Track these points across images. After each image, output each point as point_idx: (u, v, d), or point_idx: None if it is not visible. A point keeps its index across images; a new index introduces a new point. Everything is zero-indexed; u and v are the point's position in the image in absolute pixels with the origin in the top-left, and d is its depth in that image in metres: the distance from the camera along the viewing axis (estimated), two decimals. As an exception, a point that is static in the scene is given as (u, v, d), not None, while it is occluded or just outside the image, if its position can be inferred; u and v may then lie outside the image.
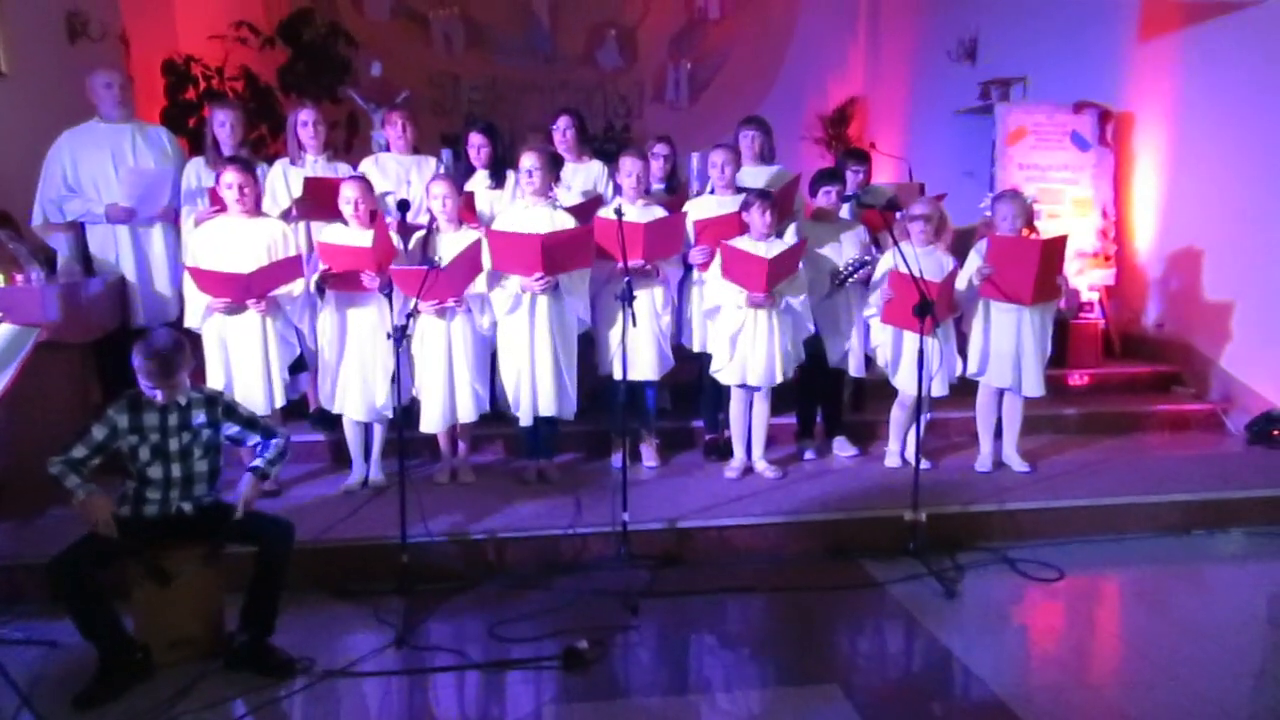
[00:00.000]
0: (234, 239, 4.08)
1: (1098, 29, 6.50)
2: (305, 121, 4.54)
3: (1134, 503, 4.30)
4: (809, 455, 4.86)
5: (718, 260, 4.33)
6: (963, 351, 4.61)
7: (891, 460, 4.73)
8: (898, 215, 4.43)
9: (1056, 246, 4.42)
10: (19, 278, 3.96)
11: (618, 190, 4.60)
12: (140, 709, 2.80)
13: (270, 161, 4.72)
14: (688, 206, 4.60)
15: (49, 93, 5.64)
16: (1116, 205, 6.36)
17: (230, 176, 4.03)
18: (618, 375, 3.95)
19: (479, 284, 4.18)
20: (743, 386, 4.45)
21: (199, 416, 3.06)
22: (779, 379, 4.40)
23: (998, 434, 4.71)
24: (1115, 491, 4.37)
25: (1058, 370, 5.62)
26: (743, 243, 4.29)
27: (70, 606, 2.82)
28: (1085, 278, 6.24)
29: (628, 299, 3.65)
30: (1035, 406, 4.78)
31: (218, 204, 4.22)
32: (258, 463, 3.16)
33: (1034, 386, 4.53)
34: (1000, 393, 4.63)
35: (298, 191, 4.43)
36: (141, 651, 2.95)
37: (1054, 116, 6.31)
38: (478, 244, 4.09)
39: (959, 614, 3.48)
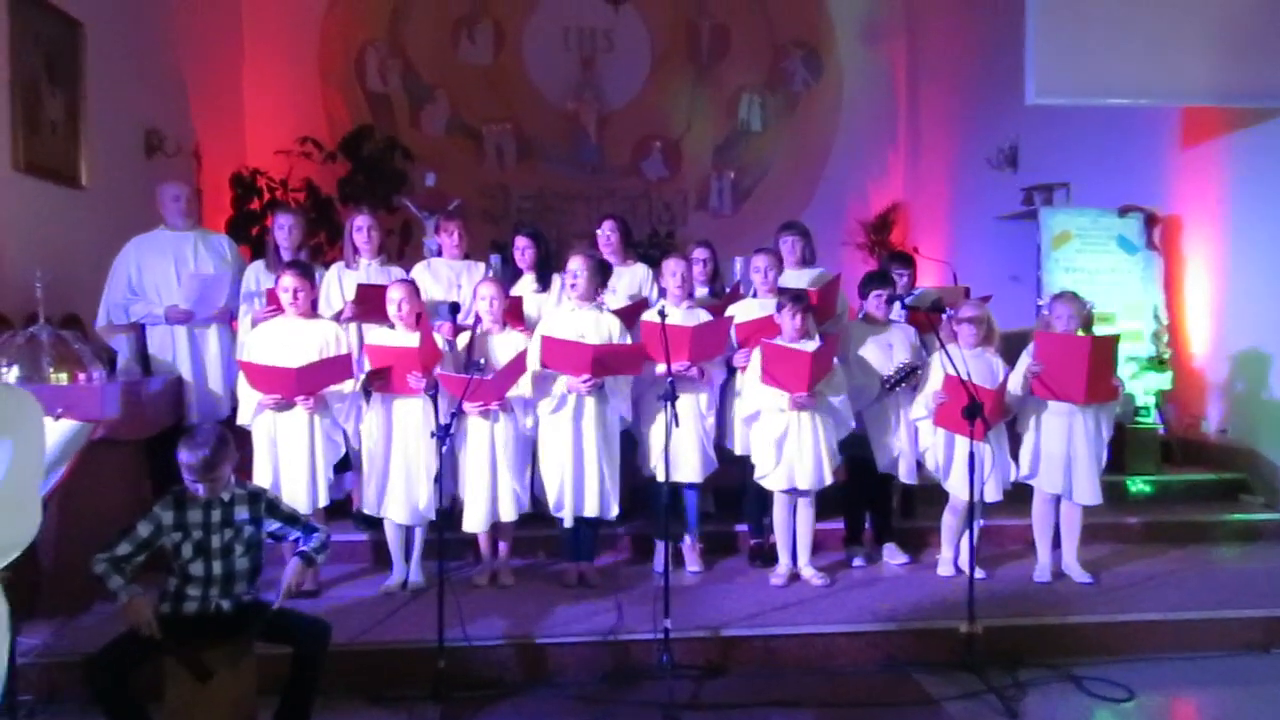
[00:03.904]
0: (288, 339, 4.19)
1: (1139, 136, 6.54)
2: (360, 226, 4.71)
3: (1208, 618, 4.05)
4: (858, 562, 4.71)
5: (755, 365, 4.31)
6: (1015, 455, 4.48)
7: (944, 568, 4.55)
8: (944, 317, 4.39)
9: (1107, 345, 4.33)
10: (81, 377, 4.08)
11: (662, 294, 4.65)
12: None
13: (327, 266, 4.89)
14: (732, 310, 4.63)
15: (124, 204, 5.96)
16: (1170, 309, 6.25)
17: (288, 280, 4.18)
18: (661, 477, 3.91)
19: (523, 385, 4.22)
20: (790, 491, 4.36)
21: (242, 513, 3.08)
22: (828, 480, 4.32)
23: (1056, 543, 4.52)
24: (1186, 605, 4.14)
25: (1116, 476, 5.43)
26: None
27: (105, 706, 2.79)
28: (1140, 382, 6.08)
29: (671, 399, 3.64)
30: (1095, 514, 4.59)
31: (274, 304, 4.35)
32: (305, 549, 3.14)
33: (1087, 494, 4.36)
34: (1057, 499, 4.47)
35: (350, 294, 4.56)
36: (172, 756, 2.88)
37: (1099, 220, 6.29)
38: (523, 353, 4.14)
39: (1022, 736, 3.27)
